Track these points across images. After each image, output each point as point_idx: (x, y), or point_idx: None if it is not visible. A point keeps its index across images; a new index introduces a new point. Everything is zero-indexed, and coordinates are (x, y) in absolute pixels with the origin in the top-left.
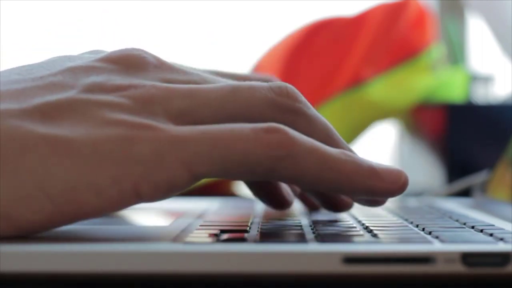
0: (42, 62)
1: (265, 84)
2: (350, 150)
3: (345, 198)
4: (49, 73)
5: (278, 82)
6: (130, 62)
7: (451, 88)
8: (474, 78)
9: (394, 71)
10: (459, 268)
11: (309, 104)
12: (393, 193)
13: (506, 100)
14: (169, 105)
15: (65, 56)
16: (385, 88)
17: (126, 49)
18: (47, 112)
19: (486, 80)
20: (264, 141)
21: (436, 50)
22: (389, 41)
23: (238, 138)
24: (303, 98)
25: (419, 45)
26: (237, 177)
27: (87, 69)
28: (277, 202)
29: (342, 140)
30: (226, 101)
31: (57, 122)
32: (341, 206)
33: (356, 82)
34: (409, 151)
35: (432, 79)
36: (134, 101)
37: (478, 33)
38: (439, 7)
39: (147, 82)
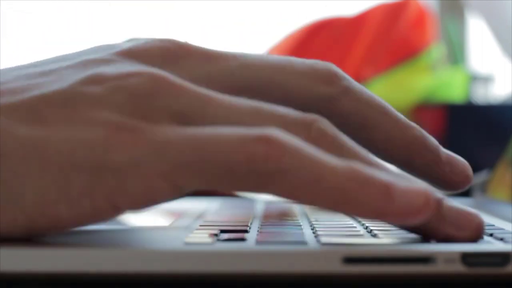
0: (67, 55)
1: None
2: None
3: None
4: (59, 66)
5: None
6: (157, 53)
7: (451, 88)
8: (474, 78)
9: (394, 71)
10: (459, 268)
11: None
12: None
13: (506, 100)
14: (172, 102)
15: (93, 48)
16: (385, 88)
17: (150, 41)
18: (35, 108)
19: (486, 80)
20: (250, 153)
21: (436, 50)
22: (389, 41)
23: (220, 148)
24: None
25: (419, 45)
26: (227, 190)
27: (101, 62)
28: None
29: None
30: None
31: (42, 119)
32: None
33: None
34: None
35: (432, 79)
36: (130, 94)
37: (478, 33)
38: (439, 7)
39: (154, 70)
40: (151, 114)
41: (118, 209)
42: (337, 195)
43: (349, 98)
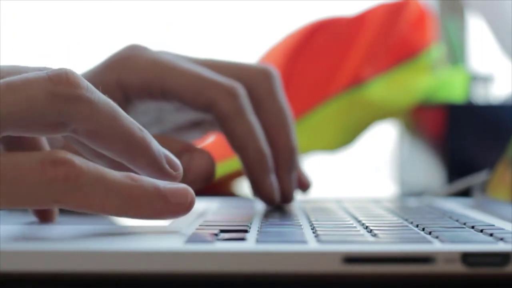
0: None
1: (42, 74)
2: (143, 133)
3: None
4: None
5: (57, 69)
6: None
7: (451, 88)
8: (474, 78)
9: (394, 71)
10: (459, 268)
11: (92, 88)
12: (180, 214)
13: (506, 100)
14: None
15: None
16: (385, 88)
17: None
18: None
19: (486, 80)
20: (51, 176)
21: (436, 50)
22: (389, 41)
23: (23, 174)
24: (83, 82)
25: (419, 45)
26: (25, 207)
27: None
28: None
29: (127, 124)
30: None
31: None
32: None
33: (356, 82)
34: (409, 151)
35: (432, 79)
36: None
37: (478, 33)
38: (439, 7)
39: None
40: None
41: None
42: (123, 202)
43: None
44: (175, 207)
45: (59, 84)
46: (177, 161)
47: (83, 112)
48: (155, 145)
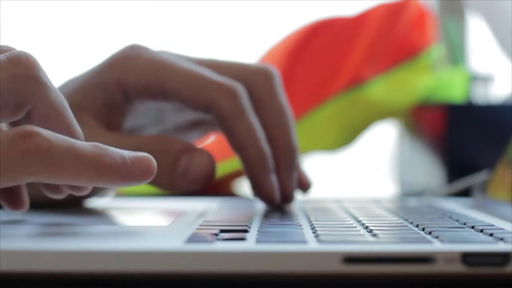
0: None
1: (1, 57)
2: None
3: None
4: None
5: (15, 51)
6: None
7: (451, 88)
8: (474, 78)
9: (394, 71)
10: (459, 268)
11: (46, 73)
12: (144, 181)
13: (506, 100)
14: None
15: None
16: (385, 88)
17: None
18: None
19: (486, 80)
20: (23, 148)
21: (436, 50)
22: (389, 41)
23: None
24: (41, 66)
25: (419, 45)
26: (2, 186)
27: None
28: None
29: (72, 117)
30: None
31: None
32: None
33: (356, 82)
34: (409, 151)
35: (432, 79)
36: None
37: (478, 33)
38: (439, 7)
39: None
40: None
41: None
42: (93, 171)
43: None
44: (141, 174)
45: (18, 66)
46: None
47: (40, 93)
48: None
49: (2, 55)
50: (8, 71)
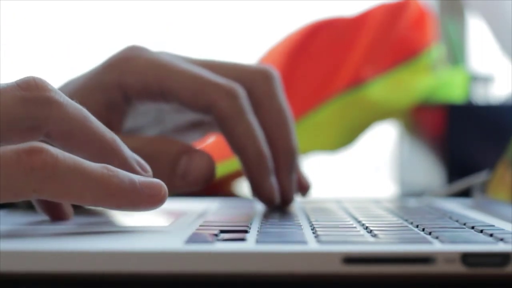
0: None
1: (10, 83)
2: (113, 135)
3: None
4: None
5: (24, 77)
6: None
7: (451, 88)
8: (474, 78)
9: (394, 72)
10: (459, 268)
11: (59, 92)
12: (153, 206)
13: (506, 100)
14: None
15: None
16: (385, 88)
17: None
18: None
19: (486, 80)
20: (28, 165)
21: (436, 50)
22: (389, 41)
23: (1, 163)
24: (52, 87)
25: (419, 45)
26: (5, 201)
27: None
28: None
29: (97, 126)
30: None
31: None
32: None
33: (356, 82)
34: (409, 151)
35: (432, 79)
36: None
37: (478, 33)
38: (439, 7)
39: None
40: None
41: None
42: (100, 192)
43: None
44: (149, 199)
45: (28, 89)
46: (146, 164)
47: (54, 113)
48: (125, 147)
49: (11, 82)
50: (18, 96)
